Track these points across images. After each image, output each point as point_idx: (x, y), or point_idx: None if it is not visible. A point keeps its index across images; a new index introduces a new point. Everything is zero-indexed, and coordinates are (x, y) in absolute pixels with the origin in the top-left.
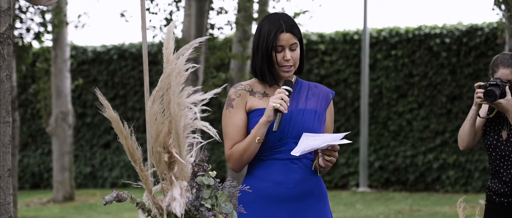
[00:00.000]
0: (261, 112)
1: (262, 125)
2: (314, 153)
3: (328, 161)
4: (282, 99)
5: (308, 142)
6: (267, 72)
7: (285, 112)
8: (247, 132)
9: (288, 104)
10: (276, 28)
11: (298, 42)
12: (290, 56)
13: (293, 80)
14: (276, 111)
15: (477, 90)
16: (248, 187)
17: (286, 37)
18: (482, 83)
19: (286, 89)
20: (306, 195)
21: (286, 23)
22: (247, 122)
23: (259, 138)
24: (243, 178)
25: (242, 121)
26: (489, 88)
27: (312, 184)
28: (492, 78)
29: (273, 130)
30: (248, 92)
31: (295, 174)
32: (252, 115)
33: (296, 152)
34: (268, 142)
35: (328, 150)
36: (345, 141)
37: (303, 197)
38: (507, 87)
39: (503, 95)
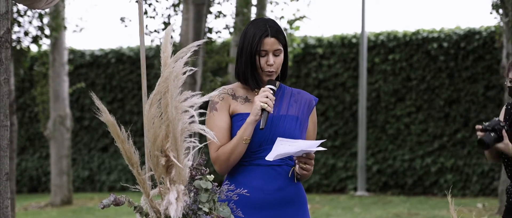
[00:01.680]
0: (243, 116)
1: (249, 124)
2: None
3: (304, 169)
4: (267, 98)
5: (283, 147)
6: (250, 76)
7: (271, 110)
8: (231, 136)
9: (273, 102)
10: (261, 32)
11: (282, 48)
12: (273, 62)
13: (276, 85)
14: (263, 109)
15: (477, 133)
16: (246, 190)
17: (270, 42)
18: (481, 125)
19: (271, 88)
20: (286, 202)
21: (272, 28)
22: (231, 125)
23: (246, 138)
24: (223, 182)
25: (227, 124)
26: (480, 138)
27: (292, 191)
28: (495, 118)
29: (260, 127)
30: (230, 96)
31: (275, 180)
32: (235, 119)
33: (270, 157)
34: (249, 147)
35: (303, 158)
36: (321, 148)
37: (283, 204)
38: (503, 130)
39: (499, 139)
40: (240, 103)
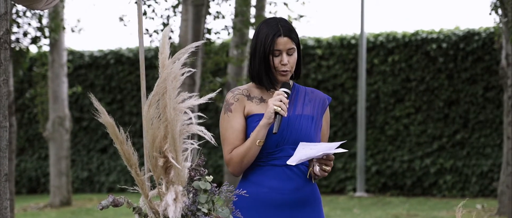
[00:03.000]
0: (259, 117)
1: (263, 127)
2: (309, 160)
3: (324, 170)
4: (281, 101)
5: (304, 151)
6: (264, 76)
7: (284, 114)
8: (246, 137)
9: (287, 106)
10: (274, 32)
11: (295, 47)
12: (287, 61)
13: (290, 87)
14: (276, 113)
15: None
16: (245, 191)
17: (283, 41)
18: None
19: (285, 92)
20: (302, 202)
21: (284, 27)
22: (245, 126)
23: (259, 140)
24: (238, 182)
25: (241, 125)
26: None
27: (308, 191)
28: None
29: (273, 131)
30: (245, 97)
31: (292, 180)
32: (250, 120)
33: (292, 161)
34: (266, 147)
35: (324, 159)
36: (341, 150)
37: (299, 204)
38: None
39: None
40: (255, 104)
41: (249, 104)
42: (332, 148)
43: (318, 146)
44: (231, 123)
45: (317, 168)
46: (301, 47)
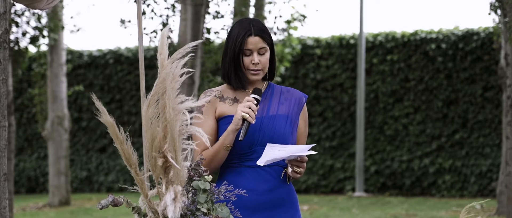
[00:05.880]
0: (231, 118)
1: (230, 132)
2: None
3: (297, 172)
4: (249, 108)
5: (273, 153)
6: (233, 75)
7: (252, 121)
8: (217, 139)
9: (256, 113)
10: (245, 31)
11: (267, 47)
12: (258, 60)
13: (264, 85)
14: (244, 119)
15: None
16: (244, 191)
17: (254, 41)
18: None
19: (255, 98)
20: (277, 203)
21: (255, 27)
22: (216, 129)
23: (227, 145)
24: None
25: (211, 128)
26: None
27: (283, 191)
28: None
29: (239, 138)
30: (218, 99)
31: (266, 181)
32: (222, 122)
33: (261, 162)
34: (239, 149)
35: (296, 161)
36: (312, 152)
37: (274, 205)
38: None
39: None
40: (228, 105)
41: (221, 105)
42: (302, 150)
43: (287, 148)
44: (201, 126)
45: (289, 170)
46: (300, 46)
